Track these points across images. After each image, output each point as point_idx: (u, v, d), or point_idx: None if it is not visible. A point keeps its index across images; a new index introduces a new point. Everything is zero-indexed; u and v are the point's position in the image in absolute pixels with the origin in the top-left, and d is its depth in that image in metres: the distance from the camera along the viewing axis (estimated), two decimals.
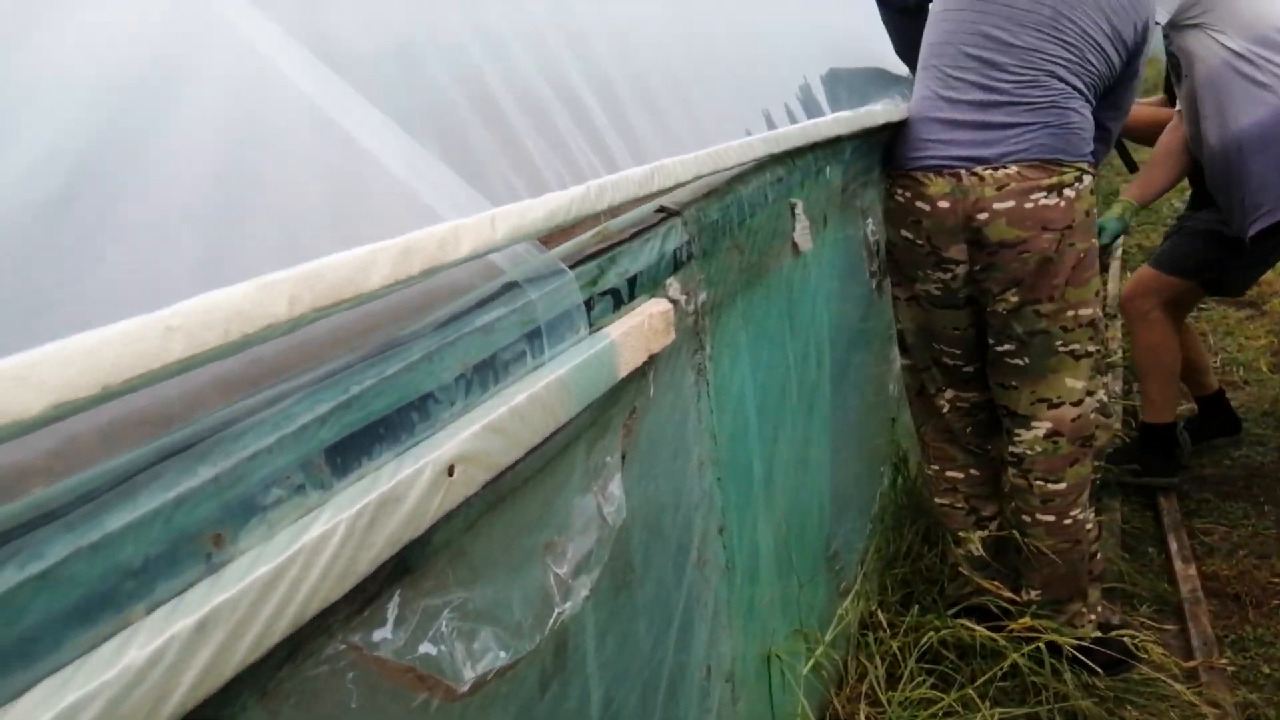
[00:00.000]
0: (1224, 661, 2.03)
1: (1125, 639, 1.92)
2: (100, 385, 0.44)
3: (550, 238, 0.88)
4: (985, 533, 2.05)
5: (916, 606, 1.89)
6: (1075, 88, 1.81)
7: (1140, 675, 1.92)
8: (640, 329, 0.95)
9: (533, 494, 0.84)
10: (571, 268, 0.88)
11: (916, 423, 2.16)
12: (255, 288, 0.52)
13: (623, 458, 0.99)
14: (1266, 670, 2.02)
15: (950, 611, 1.88)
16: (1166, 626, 2.16)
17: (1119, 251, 4.66)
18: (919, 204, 1.84)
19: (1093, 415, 1.92)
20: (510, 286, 0.81)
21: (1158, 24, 2.14)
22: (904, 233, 1.89)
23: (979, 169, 1.78)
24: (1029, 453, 1.91)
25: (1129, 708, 1.85)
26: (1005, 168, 1.77)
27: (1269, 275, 3.24)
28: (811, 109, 1.72)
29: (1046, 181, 1.77)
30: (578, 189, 0.86)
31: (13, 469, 0.47)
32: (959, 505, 2.09)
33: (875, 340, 2.07)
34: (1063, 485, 1.91)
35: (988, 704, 1.63)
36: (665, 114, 1.28)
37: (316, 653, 0.60)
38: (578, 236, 0.97)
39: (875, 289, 2.03)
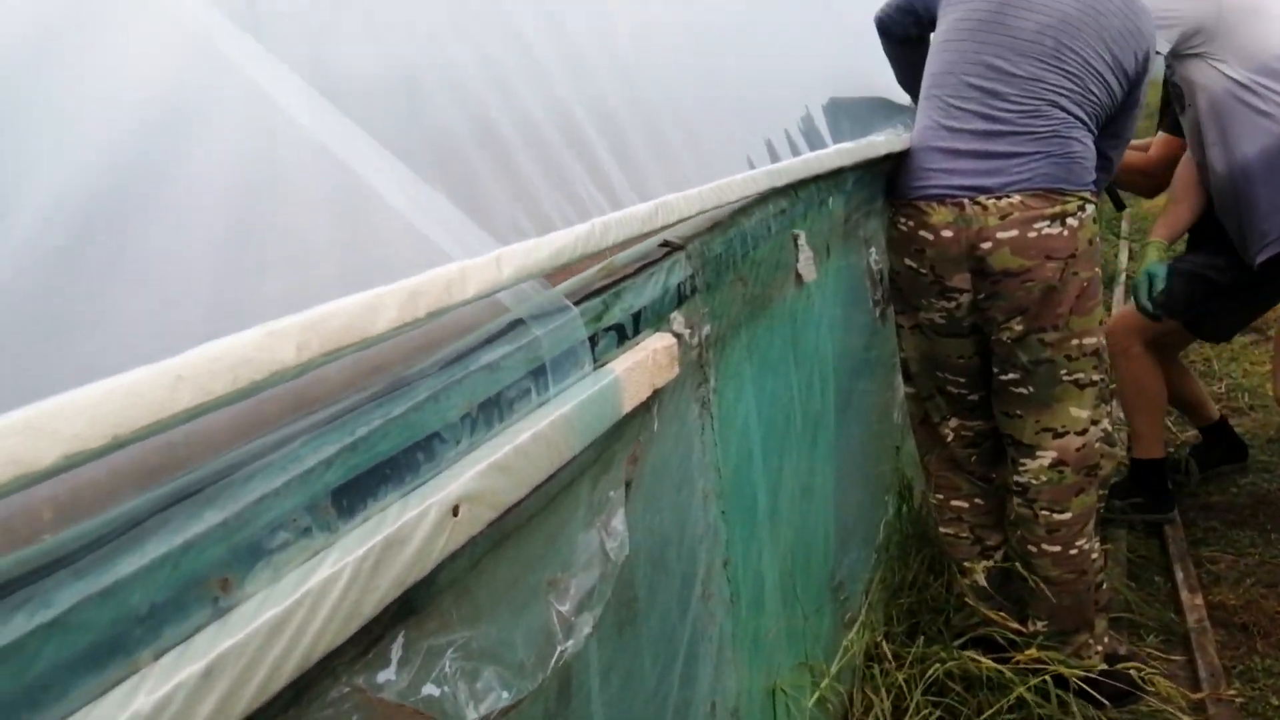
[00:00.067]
0: (1232, 693, 2.01)
1: (1132, 670, 1.91)
2: (110, 435, 0.44)
3: (555, 273, 0.89)
4: (990, 563, 2.04)
5: (922, 637, 1.88)
6: (1077, 117, 1.83)
7: (1147, 708, 1.90)
8: (644, 364, 0.95)
9: (536, 531, 0.84)
10: (576, 304, 0.88)
11: (921, 451, 2.15)
12: (262, 335, 0.53)
13: (626, 492, 0.99)
14: (1275, 702, 2.00)
15: (956, 642, 1.87)
16: (1173, 657, 2.14)
17: (1122, 278, 4.67)
18: (922, 233, 1.85)
19: (1098, 444, 1.92)
20: (515, 324, 0.81)
21: (1159, 54, 2.15)
22: (908, 261, 1.90)
23: (982, 198, 1.79)
24: (1034, 482, 1.91)
25: None
26: (1008, 197, 1.78)
27: None
28: (814, 139, 1.73)
29: (1049, 211, 1.78)
30: (582, 227, 0.86)
31: (22, 514, 0.48)
32: (964, 535, 2.08)
33: (879, 368, 2.08)
34: (1068, 515, 1.90)
35: None
36: (669, 145, 1.29)
37: (321, 696, 0.60)
38: (582, 272, 0.98)
39: (879, 317, 2.03)
